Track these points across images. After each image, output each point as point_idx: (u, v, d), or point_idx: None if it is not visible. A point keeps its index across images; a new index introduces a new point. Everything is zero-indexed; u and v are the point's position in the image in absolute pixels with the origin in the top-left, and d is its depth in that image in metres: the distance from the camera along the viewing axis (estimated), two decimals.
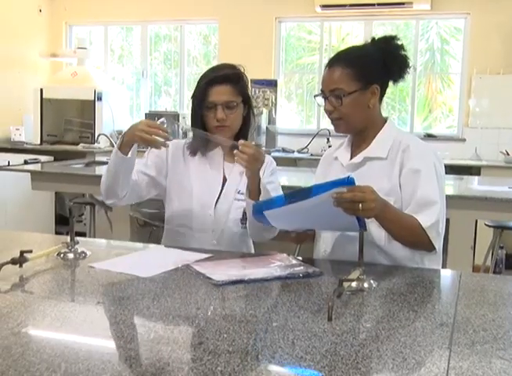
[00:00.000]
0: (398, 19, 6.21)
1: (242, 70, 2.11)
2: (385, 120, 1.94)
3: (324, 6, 5.94)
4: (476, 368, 1.07)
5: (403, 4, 5.70)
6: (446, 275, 1.90)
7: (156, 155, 2.10)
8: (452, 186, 3.74)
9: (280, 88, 6.25)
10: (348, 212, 1.55)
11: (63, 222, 5.18)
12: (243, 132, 2.10)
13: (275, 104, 6.08)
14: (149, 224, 4.37)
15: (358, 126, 1.88)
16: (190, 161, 2.14)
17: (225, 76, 2.04)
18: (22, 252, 1.65)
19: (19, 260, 1.63)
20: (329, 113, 1.86)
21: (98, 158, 5.28)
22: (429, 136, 5.85)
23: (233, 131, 2.07)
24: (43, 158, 5.28)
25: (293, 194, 1.63)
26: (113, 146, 4.83)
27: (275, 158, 2.23)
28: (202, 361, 1.07)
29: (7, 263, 1.59)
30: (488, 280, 1.78)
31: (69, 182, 4.16)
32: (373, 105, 1.86)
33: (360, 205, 1.53)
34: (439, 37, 6.15)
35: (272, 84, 6.07)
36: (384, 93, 1.91)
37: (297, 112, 6.67)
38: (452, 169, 4.55)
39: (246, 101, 2.11)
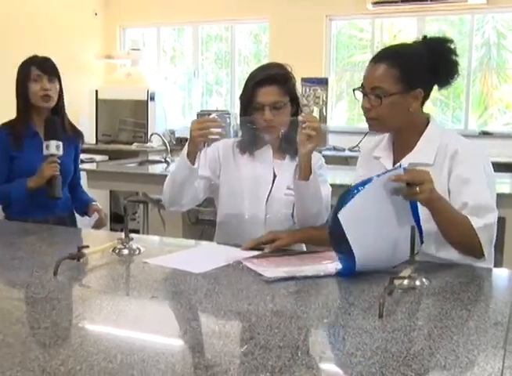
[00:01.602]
0: (452, 15, 6.08)
1: (289, 70, 2.11)
2: (427, 118, 1.86)
3: (375, 3, 5.87)
4: None
5: None
6: (501, 274, 1.85)
7: (209, 156, 2.13)
8: (508, 184, 3.65)
9: (331, 86, 6.22)
10: (406, 197, 1.56)
11: (118, 219, 5.29)
12: (291, 131, 2.11)
13: (326, 102, 6.04)
14: (202, 222, 4.44)
15: (394, 128, 1.84)
16: (240, 159, 2.16)
17: (273, 77, 2.05)
18: (79, 248, 1.71)
19: (77, 255, 1.69)
20: (365, 110, 1.81)
21: (151, 157, 5.37)
22: (484, 134, 5.71)
23: (281, 130, 2.08)
24: (98, 157, 5.41)
25: (357, 185, 1.62)
26: (165, 145, 4.90)
27: (325, 156, 2.24)
28: (253, 355, 1.09)
29: (65, 258, 1.64)
30: None
31: (123, 180, 4.26)
32: (414, 109, 1.79)
33: (418, 188, 1.53)
34: (495, 32, 5.98)
35: (322, 82, 6.04)
36: (428, 96, 1.83)
37: (348, 110, 6.62)
38: (508, 168, 4.43)
39: (294, 100, 2.11)
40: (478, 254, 1.70)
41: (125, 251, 1.84)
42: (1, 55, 5.26)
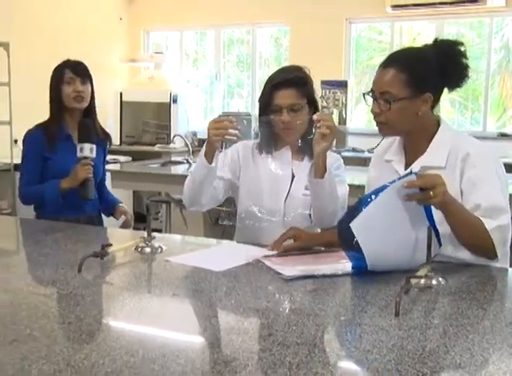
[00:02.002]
0: (471, 18, 6.03)
1: (307, 72, 2.13)
2: (438, 120, 1.85)
3: (395, 6, 5.85)
4: None
5: (477, 1, 5.53)
6: None
7: (229, 157, 2.16)
8: None
9: (351, 88, 6.22)
10: (420, 202, 1.56)
11: (141, 219, 5.34)
12: (309, 133, 2.13)
13: (346, 105, 6.04)
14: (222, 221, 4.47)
15: (404, 132, 1.84)
16: (259, 160, 2.19)
17: (290, 80, 2.07)
18: (103, 246, 1.74)
19: (101, 253, 1.73)
20: (375, 114, 1.81)
21: (173, 158, 5.41)
22: (502, 136, 5.68)
23: (299, 132, 2.10)
24: (122, 158, 5.47)
25: (369, 194, 1.64)
26: (187, 146, 4.95)
27: (345, 158, 2.25)
28: (271, 351, 1.11)
29: (90, 256, 1.68)
30: None
31: (146, 181, 4.31)
32: (423, 113, 1.78)
33: (431, 192, 1.53)
34: None
35: (342, 85, 6.04)
36: (439, 100, 1.83)
37: (367, 112, 6.61)
38: None
39: (312, 102, 2.13)
40: (491, 255, 1.70)
41: (148, 250, 1.87)
42: (31, 59, 5.38)
